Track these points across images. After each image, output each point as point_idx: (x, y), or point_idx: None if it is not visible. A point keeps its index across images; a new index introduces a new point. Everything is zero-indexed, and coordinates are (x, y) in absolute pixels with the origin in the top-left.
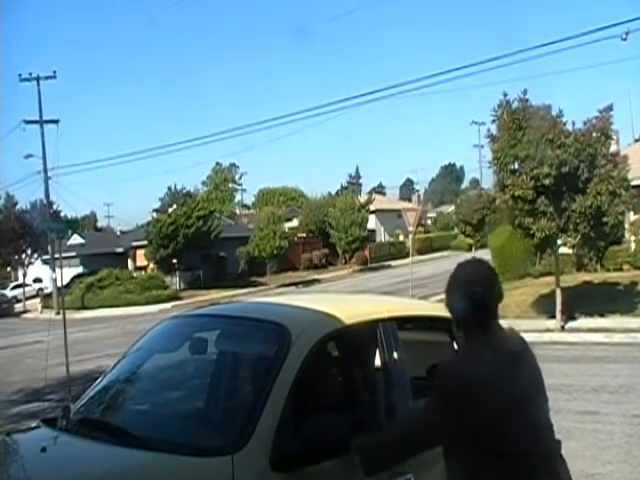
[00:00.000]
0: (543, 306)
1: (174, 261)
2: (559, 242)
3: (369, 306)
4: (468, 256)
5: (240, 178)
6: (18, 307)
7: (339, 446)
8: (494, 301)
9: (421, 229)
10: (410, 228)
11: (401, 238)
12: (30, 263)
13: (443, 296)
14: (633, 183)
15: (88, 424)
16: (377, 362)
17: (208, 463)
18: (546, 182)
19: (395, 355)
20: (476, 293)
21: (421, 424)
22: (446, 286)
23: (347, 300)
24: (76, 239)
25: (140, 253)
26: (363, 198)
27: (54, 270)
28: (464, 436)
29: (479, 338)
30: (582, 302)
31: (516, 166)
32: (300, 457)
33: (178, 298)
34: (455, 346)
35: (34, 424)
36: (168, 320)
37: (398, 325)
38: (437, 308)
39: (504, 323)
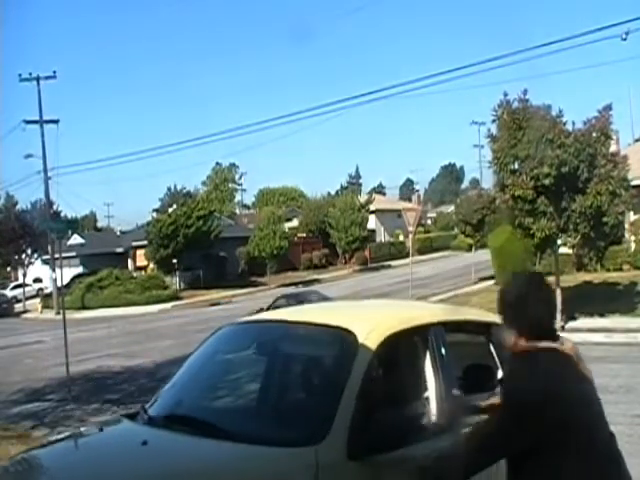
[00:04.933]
0: None
1: (174, 261)
2: (559, 242)
3: (420, 311)
4: (468, 256)
5: (240, 178)
6: (18, 307)
7: (403, 437)
8: (553, 307)
9: (421, 229)
10: (410, 228)
11: (401, 238)
12: (30, 263)
13: (443, 296)
14: (633, 183)
15: (176, 420)
16: (428, 362)
17: (295, 453)
18: (546, 182)
19: (444, 356)
20: (540, 302)
21: (496, 435)
22: (506, 299)
23: (400, 306)
24: (76, 239)
25: (140, 253)
26: (363, 198)
27: (54, 270)
28: (533, 445)
29: (544, 345)
30: (582, 302)
31: (516, 166)
32: (371, 447)
33: (178, 298)
34: (493, 349)
35: (114, 418)
36: (232, 325)
37: (445, 329)
38: (475, 313)
39: None
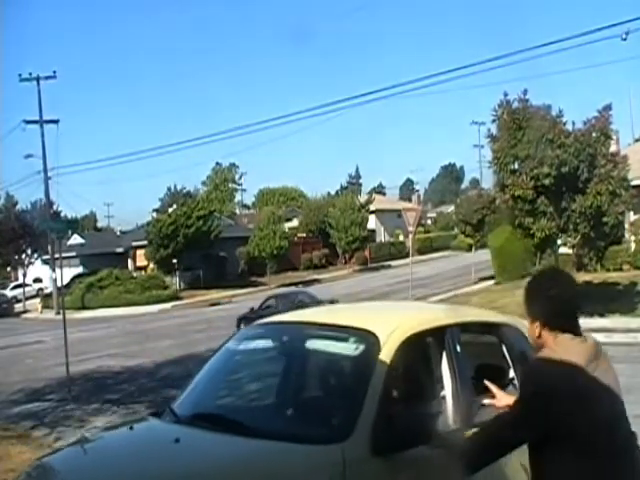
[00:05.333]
0: None
1: (174, 261)
2: (559, 242)
3: (438, 313)
4: (468, 256)
5: (240, 178)
6: (18, 307)
7: (423, 435)
8: (575, 303)
9: (421, 229)
10: (410, 228)
11: (401, 238)
12: (30, 263)
13: (443, 296)
14: (633, 183)
15: (203, 418)
16: (445, 362)
17: (323, 450)
18: (546, 182)
19: (460, 356)
20: (561, 296)
21: (508, 423)
22: (528, 291)
23: (418, 307)
24: (76, 239)
25: (140, 253)
26: (363, 198)
27: (54, 270)
28: (545, 434)
29: (561, 339)
30: (582, 302)
31: (516, 166)
32: (394, 444)
33: (178, 298)
34: (505, 349)
35: (142, 417)
36: (254, 326)
37: (460, 329)
38: (488, 314)
39: None
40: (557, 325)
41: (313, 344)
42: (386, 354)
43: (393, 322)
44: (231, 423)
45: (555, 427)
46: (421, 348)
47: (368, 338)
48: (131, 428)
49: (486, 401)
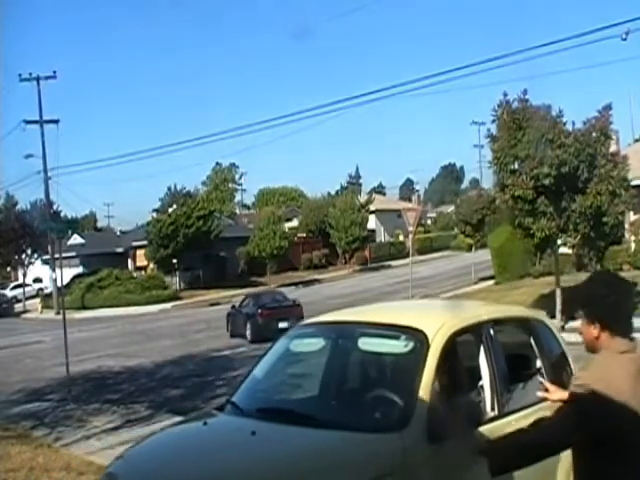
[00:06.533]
0: (543, 306)
1: (174, 261)
2: (559, 242)
3: (475, 310)
4: (468, 256)
5: (240, 178)
6: (18, 307)
7: (472, 423)
8: (619, 312)
9: (421, 229)
10: (410, 228)
11: (401, 238)
12: (30, 263)
13: (443, 296)
14: (633, 183)
15: (269, 411)
16: (483, 355)
17: (386, 438)
18: (546, 182)
19: (497, 349)
20: (621, 302)
21: (556, 429)
22: (587, 295)
23: (457, 306)
24: (76, 239)
25: (140, 253)
26: (363, 198)
27: (54, 270)
28: (591, 440)
29: (610, 347)
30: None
31: (516, 166)
32: (445, 432)
33: (178, 298)
34: (533, 341)
35: (207, 412)
36: (305, 325)
37: (495, 324)
38: (518, 310)
39: None
40: (616, 328)
41: (365, 342)
42: (434, 350)
43: (439, 320)
44: (297, 415)
45: (599, 432)
46: (463, 343)
47: (417, 336)
48: (205, 423)
49: (539, 394)
